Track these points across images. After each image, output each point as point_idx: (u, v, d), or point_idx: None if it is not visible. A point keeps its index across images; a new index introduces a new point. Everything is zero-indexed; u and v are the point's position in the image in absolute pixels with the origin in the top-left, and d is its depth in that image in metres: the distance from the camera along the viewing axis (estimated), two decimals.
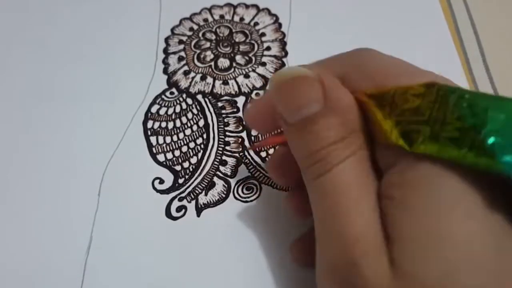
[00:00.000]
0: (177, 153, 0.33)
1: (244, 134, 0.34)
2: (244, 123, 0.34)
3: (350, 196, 0.20)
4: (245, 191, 0.31)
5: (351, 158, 0.21)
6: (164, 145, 0.33)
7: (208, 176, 0.32)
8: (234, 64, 0.37)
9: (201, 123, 0.34)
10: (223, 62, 0.37)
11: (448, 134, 0.18)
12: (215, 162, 0.33)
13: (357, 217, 0.20)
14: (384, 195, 0.20)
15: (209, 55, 0.38)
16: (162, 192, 0.32)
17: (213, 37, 0.39)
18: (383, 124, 0.20)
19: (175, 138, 0.34)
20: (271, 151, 0.33)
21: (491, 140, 0.17)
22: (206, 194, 0.31)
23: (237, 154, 0.33)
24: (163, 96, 0.36)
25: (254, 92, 0.36)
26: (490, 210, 0.18)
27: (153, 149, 0.33)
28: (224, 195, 0.31)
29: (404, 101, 0.20)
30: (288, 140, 0.23)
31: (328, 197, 0.21)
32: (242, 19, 0.40)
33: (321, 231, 0.21)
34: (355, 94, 0.22)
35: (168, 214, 0.31)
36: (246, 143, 0.33)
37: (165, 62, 0.38)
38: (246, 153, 0.33)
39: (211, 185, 0.32)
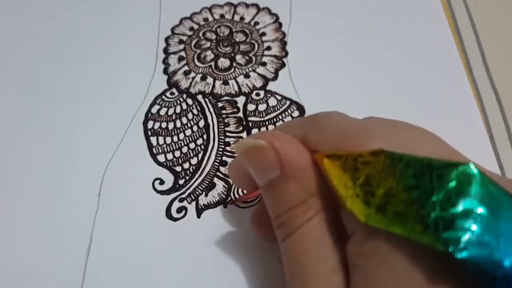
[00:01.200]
0: (177, 153, 0.33)
1: (244, 135, 0.34)
2: (244, 123, 0.34)
3: (309, 261, 0.21)
4: (245, 192, 0.31)
5: (311, 222, 0.21)
6: (165, 145, 0.33)
7: (208, 177, 0.32)
8: (234, 64, 0.37)
9: (201, 123, 0.34)
10: (223, 62, 0.37)
11: (394, 207, 0.18)
12: (216, 163, 0.33)
13: (319, 281, 0.21)
14: (350, 262, 0.20)
15: (209, 55, 0.38)
16: (162, 193, 0.32)
17: (213, 36, 0.39)
18: (338, 190, 0.20)
19: (175, 138, 0.34)
20: None
21: (433, 214, 0.16)
22: (206, 195, 0.31)
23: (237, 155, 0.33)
24: (163, 97, 0.36)
25: (254, 92, 0.36)
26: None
27: (153, 149, 0.33)
28: (224, 196, 0.31)
29: (355, 170, 0.19)
30: (264, 201, 0.24)
31: (292, 261, 0.22)
32: (242, 18, 0.40)
33: None
34: (313, 155, 0.22)
35: (168, 215, 0.31)
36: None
37: (165, 62, 0.38)
38: None
39: (212, 186, 0.32)
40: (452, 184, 0.16)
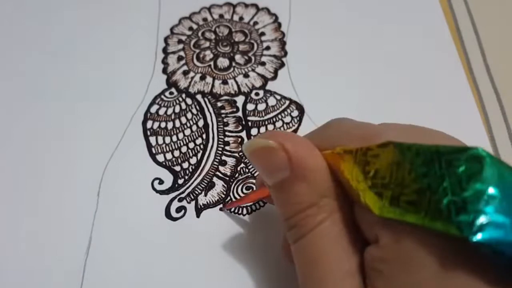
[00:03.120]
0: (176, 153, 0.33)
1: (243, 134, 0.34)
2: (243, 123, 0.34)
3: (324, 263, 0.21)
4: (244, 191, 0.31)
5: (324, 224, 0.21)
6: (164, 145, 0.33)
7: (207, 176, 0.32)
8: (233, 64, 0.37)
9: (201, 123, 0.34)
10: (223, 62, 0.37)
11: (407, 197, 0.18)
12: (215, 162, 0.32)
13: (331, 285, 0.20)
14: (370, 267, 0.20)
15: (209, 54, 0.38)
16: (161, 192, 0.31)
17: (213, 36, 0.39)
18: (351, 185, 0.20)
19: (174, 138, 0.34)
20: None
21: (445, 200, 0.16)
22: (205, 195, 0.31)
23: (236, 154, 0.33)
24: (162, 96, 0.36)
25: (254, 91, 0.36)
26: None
27: (153, 149, 0.33)
28: (223, 196, 0.31)
29: (366, 163, 0.19)
30: (274, 202, 0.23)
31: (304, 263, 0.21)
32: (241, 18, 0.40)
33: None
34: (323, 153, 0.22)
35: (167, 214, 0.31)
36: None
37: (164, 62, 0.38)
38: None
39: (211, 185, 0.32)
40: (462, 168, 0.16)
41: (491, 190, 0.16)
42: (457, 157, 0.16)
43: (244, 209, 0.31)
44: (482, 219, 0.15)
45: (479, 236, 0.15)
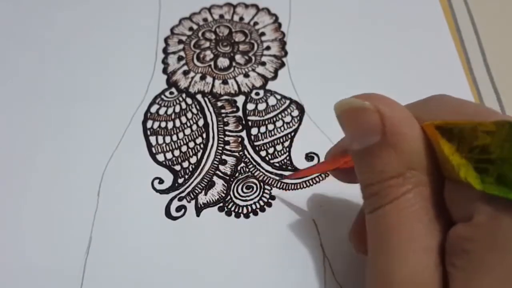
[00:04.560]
0: (176, 153, 0.33)
1: (244, 134, 0.34)
2: (243, 122, 0.34)
3: (401, 235, 0.20)
4: (245, 190, 0.31)
5: (406, 196, 0.20)
6: (164, 145, 0.33)
7: (207, 175, 0.32)
8: (233, 64, 0.37)
9: (201, 122, 0.34)
10: (223, 62, 0.37)
11: None
12: (215, 162, 0.32)
13: (407, 258, 0.19)
14: (456, 247, 0.19)
15: (209, 54, 0.38)
16: (161, 192, 0.31)
17: (213, 36, 0.39)
18: (451, 159, 0.19)
19: (174, 138, 0.34)
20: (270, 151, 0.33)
21: None
22: (205, 194, 0.31)
23: (236, 154, 0.33)
24: (162, 96, 0.36)
25: (254, 91, 0.36)
26: None
27: (153, 149, 0.33)
28: (223, 195, 0.31)
29: (474, 138, 0.19)
30: (355, 168, 0.22)
31: (379, 234, 0.20)
32: (241, 18, 0.40)
33: (370, 268, 0.21)
34: (422, 124, 0.21)
35: (167, 214, 0.31)
36: (250, 149, 0.33)
37: (164, 62, 0.38)
38: (246, 152, 0.33)
39: (211, 184, 0.32)
40: None
41: None
42: None
43: (244, 208, 0.31)
44: None
45: None
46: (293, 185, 0.31)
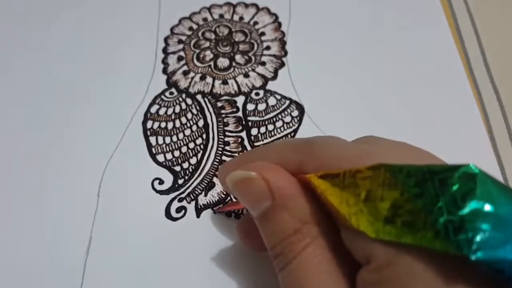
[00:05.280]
0: (176, 153, 0.33)
1: (244, 134, 0.34)
2: (243, 123, 0.34)
3: (315, 283, 0.20)
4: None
5: (308, 249, 0.21)
6: (164, 145, 0.33)
7: (208, 176, 0.32)
8: (233, 64, 0.37)
9: (201, 123, 0.34)
10: (223, 62, 0.37)
11: (403, 218, 0.17)
12: (215, 163, 0.32)
13: None
14: None
15: (209, 54, 0.38)
16: (161, 192, 0.31)
17: (213, 36, 0.39)
18: (340, 210, 0.20)
19: (174, 138, 0.34)
20: None
21: (441, 220, 0.16)
22: (206, 195, 0.31)
23: (236, 154, 0.33)
24: (162, 96, 0.36)
25: (254, 91, 0.36)
26: None
27: (153, 149, 0.33)
28: (223, 196, 0.31)
29: (355, 186, 0.19)
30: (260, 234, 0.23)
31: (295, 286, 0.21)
32: (241, 18, 0.40)
33: None
34: (306, 177, 0.22)
35: (167, 215, 0.31)
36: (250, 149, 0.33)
37: (164, 62, 0.38)
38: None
39: (211, 185, 0.32)
40: (456, 186, 0.16)
41: (487, 207, 0.16)
42: (450, 175, 0.16)
43: (245, 209, 0.31)
44: (480, 237, 0.15)
45: (478, 254, 0.15)
46: None
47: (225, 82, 0.36)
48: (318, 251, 0.21)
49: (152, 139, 0.34)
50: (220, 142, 0.33)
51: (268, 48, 0.38)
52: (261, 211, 0.22)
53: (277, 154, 0.24)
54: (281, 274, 0.22)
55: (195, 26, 0.40)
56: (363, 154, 0.21)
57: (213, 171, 0.32)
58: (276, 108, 0.35)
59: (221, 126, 0.34)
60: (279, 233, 0.22)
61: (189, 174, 0.32)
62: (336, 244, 0.21)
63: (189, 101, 0.35)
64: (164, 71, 0.37)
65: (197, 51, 0.38)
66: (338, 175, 0.20)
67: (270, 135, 0.34)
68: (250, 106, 0.35)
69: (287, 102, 0.35)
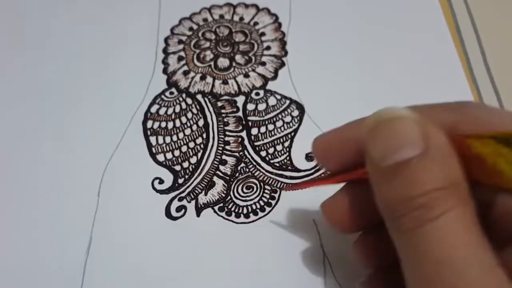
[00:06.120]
0: (176, 153, 0.33)
1: (244, 134, 0.34)
2: (243, 122, 0.34)
3: (462, 252, 0.17)
4: (245, 190, 0.31)
5: (458, 209, 0.18)
6: (164, 145, 0.33)
7: (208, 175, 0.32)
8: (233, 64, 0.37)
9: (201, 122, 0.34)
10: (223, 62, 0.37)
11: None
12: (215, 162, 0.32)
13: (474, 277, 0.17)
14: None
15: (209, 54, 0.38)
16: (161, 192, 0.31)
17: (213, 36, 0.39)
18: (504, 170, 0.18)
19: (174, 138, 0.34)
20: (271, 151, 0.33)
21: None
22: (206, 194, 0.31)
23: (237, 154, 0.33)
24: (162, 96, 0.36)
25: (254, 91, 0.36)
26: None
27: (153, 149, 0.33)
28: (224, 195, 0.31)
29: None
30: (374, 185, 0.20)
31: (434, 252, 0.18)
32: (241, 18, 0.40)
33: None
34: (461, 138, 0.19)
35: (168, 214, 0.31)
36: (250, 149, 0.33)
37: (164, 62, 0.38)
38: (246, 152, 0.33)
39: (211, 184, 0.32)
40: None
41: None
42: None
43: (245, 208, 0.31)
44: None
45: None
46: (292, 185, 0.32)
47: (225, 82, 0.36)
48: (467, 216, 0.18)
49: (152, 139, 0.34)
50: (220, 142, 0.33)
51: (268, 48, 0.38)
52: (400, 159, 0.19)
53: (427, 112, 0.20)
54: (414, 232, 0.18)
55: (195, 27, 0.40)
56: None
57: (213, 170, 0.32)
58: (276, 108, 0.35)
59: (221, 126, 0.34)
60: (423, 183, 0.18)
61: (189, 174, 0.32)
62: (478, 219, 0.18)
63: (189, 100, 0.35)
64: (164, 71, 0.37)
65: (197, 51, 0.38)
66: (496, 137, 0.18)
67: (270, 135, 0.34)
68: (250, 106, 0.35)
69: (287, 102, 0.35)
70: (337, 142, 0.23)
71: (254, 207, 0.31)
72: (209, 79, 0.36)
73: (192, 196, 0.31)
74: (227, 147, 0.33)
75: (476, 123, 0.20)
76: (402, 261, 0.19)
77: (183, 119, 0.34)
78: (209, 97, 0.36)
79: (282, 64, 0.37)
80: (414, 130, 0.19)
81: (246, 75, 0.37)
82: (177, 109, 0.35)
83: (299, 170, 0.32)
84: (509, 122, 0.20)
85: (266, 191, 0.31)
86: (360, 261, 0.25)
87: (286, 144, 0.33)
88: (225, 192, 0.31)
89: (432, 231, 0.18)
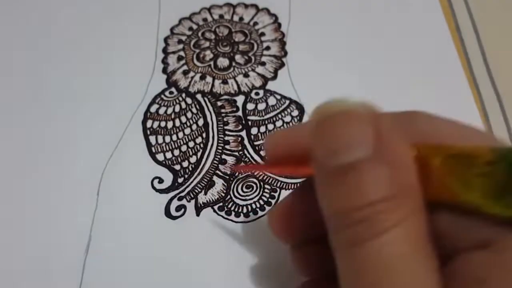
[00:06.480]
0: (176, 152, 0.33)
1: (243, 133, 0.34)
2: (243, 122, 0.34)
3: (405, 274, 0.16)
4: (244, 190, 0.31)
5: (404, 224, 0.16)
6: (164, 144, 0.33)
7: (207, 175, 0.32)
8: (233, 64, 0.37)
9: (201, 122, 0.34)
10: (223, 62, 0.37)
11: None
12: (215, 161, 0.32)
13: None
14: (467, 277, 0.16)
15: (209, 54, 0.38)
16: (161, 191, 0.31)
17: (213, 36, 0.39)
18: (455, 185, 0.17)
19: (174, 137, 0.34)
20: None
21: None
22: (205, 194, 0.31)
23: (236, 153, 0.33)
24: (162, 96, 0.36)
25: (254, 91, 0.36)
26: None
27: (153, 148, 0.33)
28: (223, 194, 0.31)
29: (471, 165, 0.16)
30: (317, 189, 0.18)
31: (374, 272, 0.16)
32: (241, 18, 0.40)
33: None
34: (416, 145, 0.18)
35: (167, 213, 0.31)
36: (250, 149, 0.33)
37: (164, 61, 0.38)
38: (246, 152, 0.33)
39: (211, 184, 0.32)
40: None
41: None
42: None
43: (244, 208, 0.31)
44: None
45: None
46: (292, 185, 0.31)
47: (225, 82, 0.36)
48: (415, 230, 0.16)
49: (152, 138, 0.34)
50: (220, 141, 0.33)
51: (268, 48, 0.38)
52: (346, 161, 0.16)
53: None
54: (355, 249, 0.16)
55: (195, 26, 0.40)
56: (467, 133, 0.18)
57: (213, 169, 0.32)
58: (276, 107, 0.35)
59: (221, 125, 0.34)
60: (369, 193, 0.16)
61: (189, 173, 0.32)
62: (427, 228, 0.17)
63: (189, 100, 0.35)
64: (164, 70, 0.37)
65: (197, 51, 0.38)
66: (456, 150, 0.17)
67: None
68: (250, 106, 0.35)
69: (287, 102, 0.35)
70: (292, 137, 0.21)
71: (254, 206, 0.31)
72: (208, 79, 0.36)
73: (192, 196, 0.31)
74: (227, 147, 0.33)
75: (423, 137, 0.18)
76: (338, 276, 0.17)
77: (183, 119, 0.34)
78: (209, 96, 0.36)
79: (282, 64, 0.37)
80: (364, 128, 0.16)
81: (246, 75, 0.37)
82: (177, 108, 0.35)
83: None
84: (456, 133, 0.19)
85: (265, 190, 0.31)
86: (298, 270, 0.24)
87: None
88: (224, 191, 0.31)
89: (371, 252, 0.16)
